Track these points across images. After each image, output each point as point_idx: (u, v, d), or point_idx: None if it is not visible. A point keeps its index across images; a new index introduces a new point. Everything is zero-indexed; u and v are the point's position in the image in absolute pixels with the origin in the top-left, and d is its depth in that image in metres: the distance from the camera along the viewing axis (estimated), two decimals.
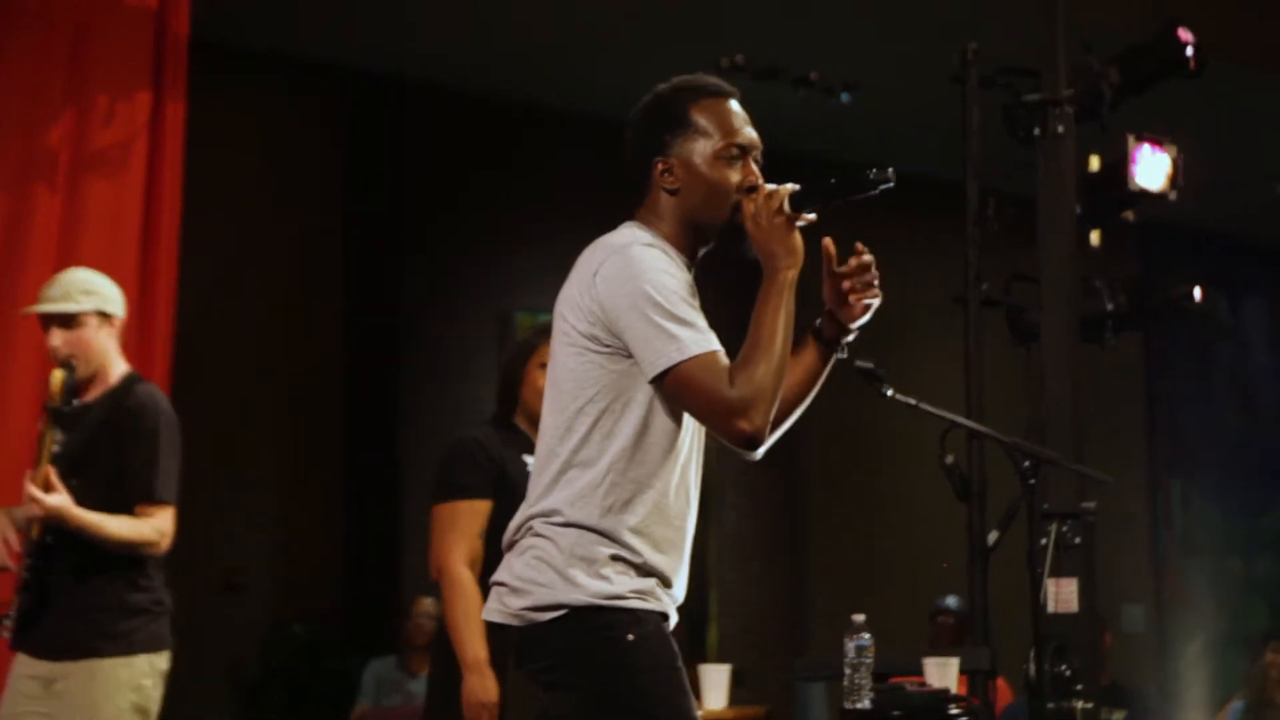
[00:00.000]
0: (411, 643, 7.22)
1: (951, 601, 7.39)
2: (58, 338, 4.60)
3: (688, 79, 3.02)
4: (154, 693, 4.56)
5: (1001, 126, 6.18)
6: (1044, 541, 4.92)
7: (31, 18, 5.78)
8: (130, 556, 4.51)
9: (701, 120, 2.96)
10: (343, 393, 8.03)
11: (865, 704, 4.26)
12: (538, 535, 2.84)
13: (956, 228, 6.21)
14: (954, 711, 4.45)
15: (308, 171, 7.84)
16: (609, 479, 2.81)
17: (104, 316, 4.65)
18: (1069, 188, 6.07)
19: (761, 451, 2.83)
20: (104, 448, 4.52)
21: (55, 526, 4.43)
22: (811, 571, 8.93)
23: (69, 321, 4.60)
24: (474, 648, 4.29)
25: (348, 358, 8.07)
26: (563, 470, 2.84)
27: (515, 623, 2.83)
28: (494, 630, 2.90)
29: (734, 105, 3.00)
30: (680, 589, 2.93)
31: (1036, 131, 6.06)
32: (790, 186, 2.91)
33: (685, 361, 2.74)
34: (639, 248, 2.84)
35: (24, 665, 4.56)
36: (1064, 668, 5.01)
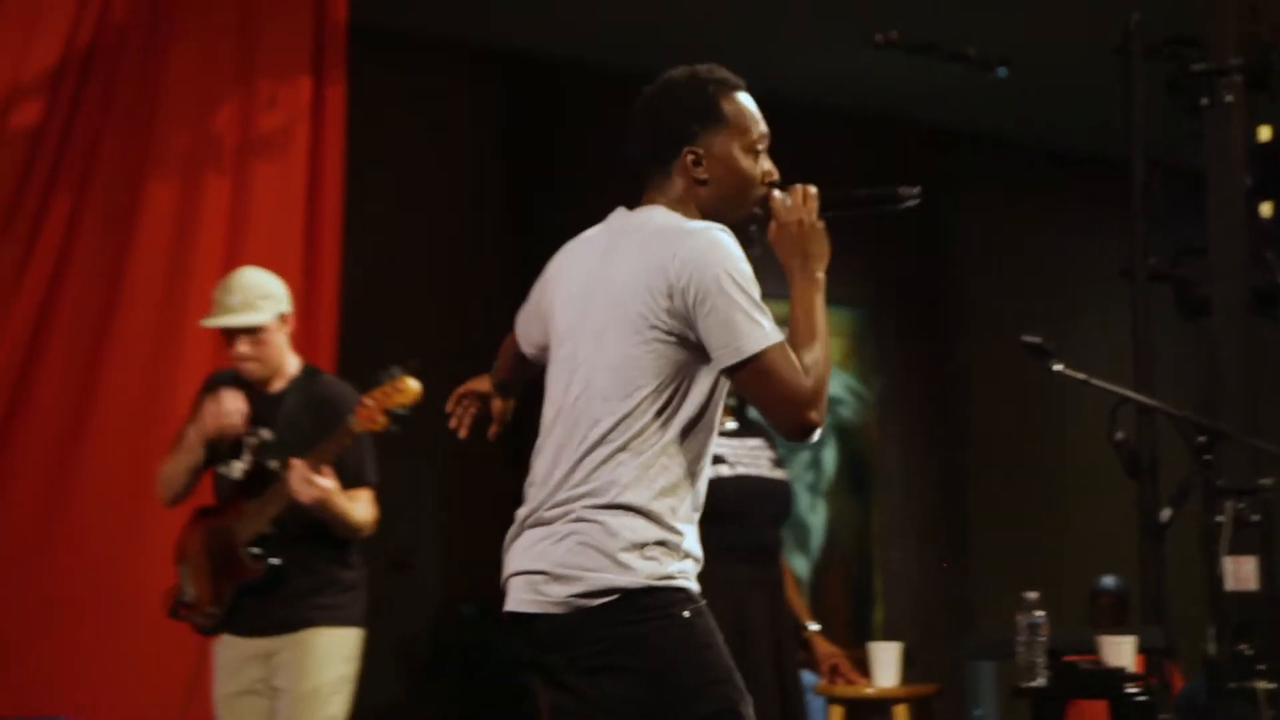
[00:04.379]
0: None
1: (1110, 581, 7.30)
2: (245, 346, 4.66)
3: (705, 68, 3.02)
4: (357, 666, 4.67)
5: (1166, 98, 6.06)
6: (1220, 518, 4.83)
7: (200, 7, 5.88)
8: (343, 536, 4.61)
9: (730, 112, 2.97)
10: None
11: (1040, 682, 4.21)
12: (580, 520, 2.80)
13: (1120, 202, 6.11)
14: (1132, 690, 4.38)
15: (469, 154, 7.87)
16: (660, 462, 2.80)
17: (282, 317, 4.73)
18: (1238, 159, 5.93)
19: (816, 437, 2.81)
20: (312, 438, 4.57)
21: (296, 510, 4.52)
22: (976, 550, 8.83)
23: (256, 331, 4.68)
24: None
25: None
26: (612, 455, 2.80)
27: (559, 610, 2.78)
28: (519, 621, 2.85)
29: (750, 98, 3.01)
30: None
31: (1204, 102, 5.92)
32: (813, 188, 2.96)
33: (770, 349, 2.74)
34: (718, 232, 2.83)
35: (233, 646, 4.66)
36: (1244, 647, 4.91)
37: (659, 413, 2.80)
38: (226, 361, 5.30)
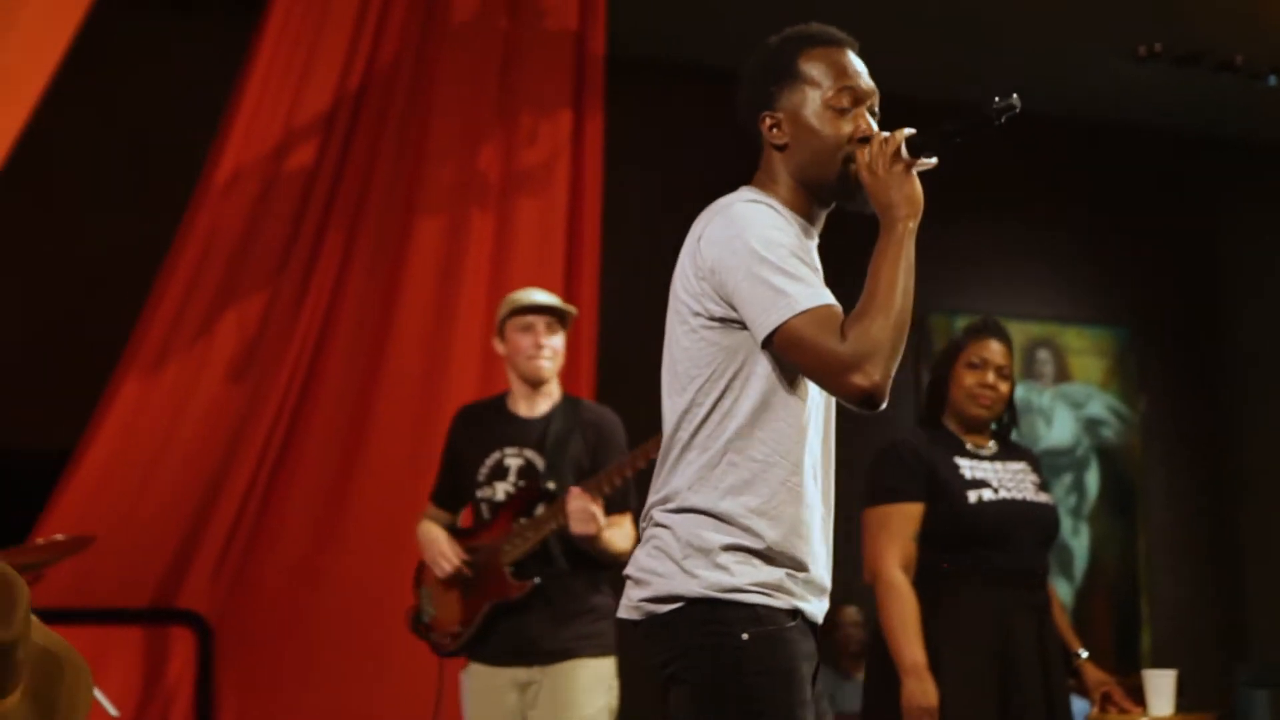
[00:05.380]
0: (844, 651, 7.33)
1: None
2: (545, 337, 4.80)
3: (798, 28, 2.85)
4: (618, 693, 4.73)
5: None
6: None
7: (465, 45, 6.03)
8: (595, 563, 4.69)
9: (810, 70, 2.78)
10: None
11: None
12: (657, 525, 2.70)
13: None
14: None
15: (721, 183, 7.90)
16: (727, 458, 2.65)
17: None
18: None
19: (883, 406, 2.57)
20: (579, 463, 4.68)
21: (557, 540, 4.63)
22: (1247, 574, 8.59)
23: (559, 326, 4.84)
24: (911, 651, 4.26)
25: None
26: (681, 454, 2.69)
27: (638, 616, 2.70)
28: (625, 628, 2.78)
29: (849, 54, 2.82)
30: (823, 574, 2.74)
31: None
32: (906, 131, 2.71)
33: (795, 317, 2.56)
34: (742, 205, 2.70)
35: (485, 676, 4.73)
36: None
37: (717, 403, 2.66)
38: (490, 389, 5.42)
